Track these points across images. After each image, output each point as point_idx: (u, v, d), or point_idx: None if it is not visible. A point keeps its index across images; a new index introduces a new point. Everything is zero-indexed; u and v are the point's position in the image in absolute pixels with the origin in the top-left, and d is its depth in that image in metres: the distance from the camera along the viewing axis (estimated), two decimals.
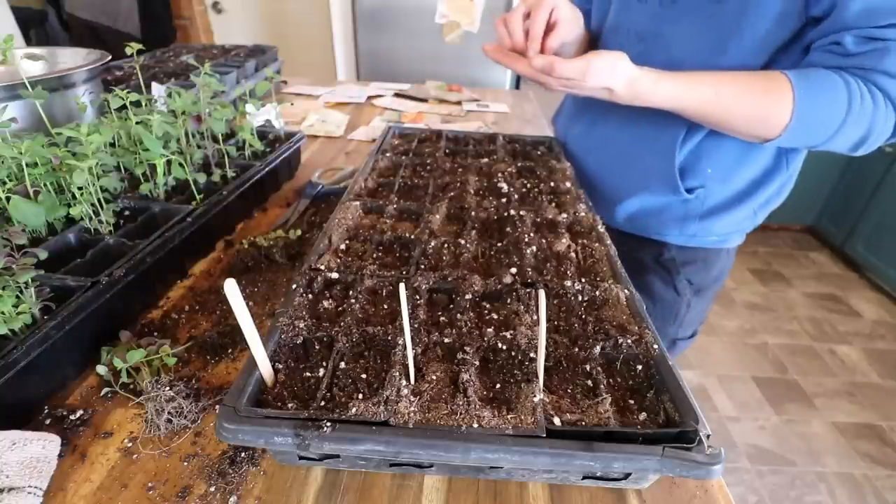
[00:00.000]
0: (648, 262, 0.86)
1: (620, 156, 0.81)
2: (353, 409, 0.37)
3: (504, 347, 0.45)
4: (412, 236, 0.62)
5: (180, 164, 0.69)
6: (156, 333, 0.56)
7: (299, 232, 0.74)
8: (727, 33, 0.63)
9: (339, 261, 0.57)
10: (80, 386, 0.50)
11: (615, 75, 0.60)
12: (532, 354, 0.43)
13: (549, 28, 0.68)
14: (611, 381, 0.44)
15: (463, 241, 0.60)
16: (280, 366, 0.43)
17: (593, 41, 0.84)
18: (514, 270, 0.55)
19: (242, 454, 0.43)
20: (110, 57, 0.94)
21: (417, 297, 0.51)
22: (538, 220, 0.68)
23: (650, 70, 0.62)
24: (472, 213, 0.68)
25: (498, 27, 0.70)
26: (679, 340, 0.94)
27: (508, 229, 0.65)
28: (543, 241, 0.62)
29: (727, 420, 1.75)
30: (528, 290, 0.52)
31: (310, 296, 0.52)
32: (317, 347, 0.46)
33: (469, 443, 0.35)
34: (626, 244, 0.82)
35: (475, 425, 0.37)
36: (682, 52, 0.69)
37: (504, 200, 0.73)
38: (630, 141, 0.79)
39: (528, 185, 0.79)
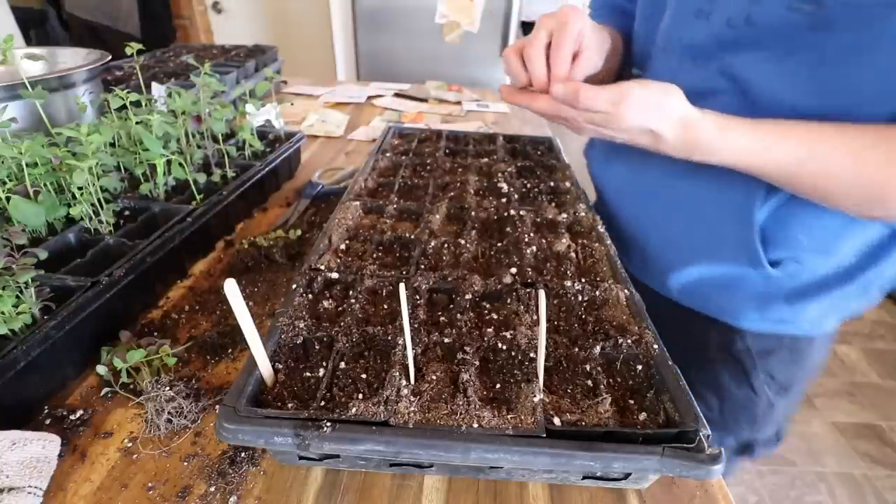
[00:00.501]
0: (713, 348, 0.66)
1: (674, 209, 0.61)
2: (353, 409, 0.37)
3: (504, 347, 0.45)
4: (412, 236, 0.62)
5: (180, 164, 0.69)
6: (156, 333, 0.56)
7: (299, 232, 0.74)
8: (835, 69, 0.45)
9: (339, 261, 0.57)
10: (80, 386, 0.50)
11: (663, 112, 0.46)
12: (532, 354, 0.43)
13: (573, 57, 0.54)
14: (611, 381, 0.44)
15: (463, 241, 0.61)
16: (280, 366, 0.43)
17: (640, 63, 0.65)
18: (514, 270, 0.55)
19: (242, 454, 0.43)
20: (110, 57, 0.94)
21: (417, 297, 0.51)
22: (538, 219, 0.68)
23: (714, 113, 0.47)
24: (472, 213, 0.68)
25: (510, 59, 0.55)
26: (757, 445, 0.71)
27: (508, 229, 0.65)
28: (543, 240, 0.62)
29: None
30: (528, 290, 0.52)
31: (310, 296, 0.52)
32: (317, 347, 0.46)
33: (469, 443, 0.35)
34: (682, 321, 0.64)
35: (475, 425, 0.37)
36: (761, 91, 0.50)
37: (504, 200, 0.73)
38: (688, 190, 0.59)
39: (528, 185, 0.79)
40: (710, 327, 0.65)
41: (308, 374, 0.43)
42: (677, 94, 0.47)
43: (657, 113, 0.47)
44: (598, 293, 0.53)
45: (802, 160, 0.45)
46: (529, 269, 0.55)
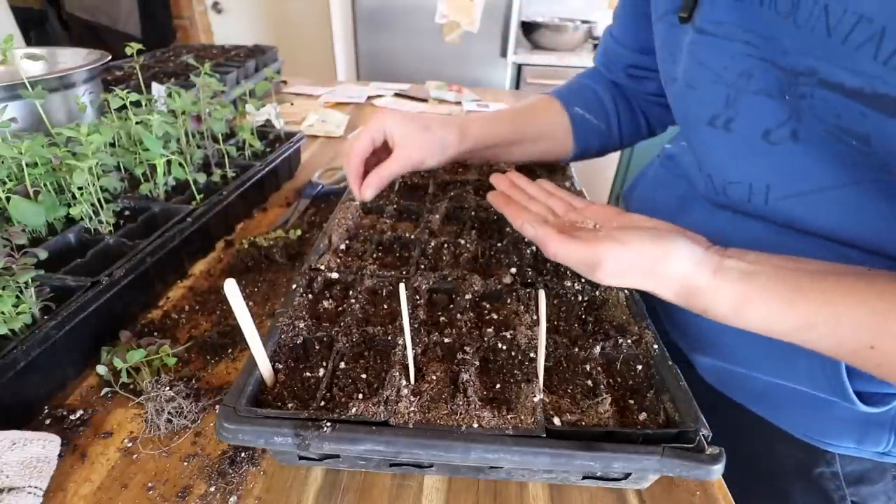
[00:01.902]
0: (786, 467, 0.51)
1: None
2: (353, 409, 0.37)
3: (504, 347, 0.45)
4: (412, 236, 0.62)
5: (180, 164, 0.69)
6: (156, 333, 0.56)
7: (299, 232, 0.74)
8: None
9: (339, 261, 0.57)
10: (80, 386, 0.50)
11: (655, 277, 0.38)
12: (532, 354, 0.43)
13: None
14: (611, 381, 0.44)
15: (463, 241, 0.60)
16: (280, 366, 0.43)
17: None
18: (513, 270, 0.55)
19: (242, 454, 0.43)
20: (110, 57, 0.94)
21: (417, 297, 0.51)
22: None
23: (735, 272, 0.36)
24: (472, 213, 0.68)
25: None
26: None
27: (508, 229, 0.65)
28: None
29: None
30: (528, 290, 0.52)
31: (310, 296, 0.52)
32: (317, 347, 0.46)
33: (469, 443, 0.35)
34: (748, 427, 0.51)
35: (475, 425, 0.37)
36: (802, 220, 0.41)
37: None
38: None
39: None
40: (784, 442, 0.50)
41: (308, 374, 0.43)
42: (677, 252, 0.37)
43: (646, 278, 0.38)
44: (598, 293, 0.53)
45: (857, 348, 0.32)
46: (529, 269, 0.55)
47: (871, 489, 0.49)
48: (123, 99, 0.66)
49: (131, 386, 0.49)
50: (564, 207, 0.51)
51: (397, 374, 0.40)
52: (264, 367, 0.40)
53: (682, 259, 0.37)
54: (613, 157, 2.62)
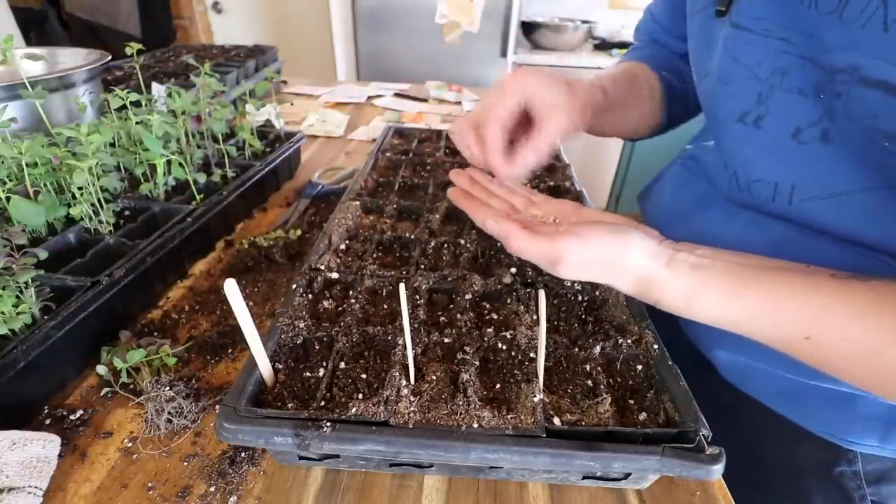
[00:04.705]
0: (806, 466, 0.50)
1: None
2: (353, 409, 0.37)
3: (504, 347, 0.45)
4: (412, 236, 0.62)
5: (180, 164, 0.69)
6: (156, 333, 0.56)
7: (299, 232, 0.74)
8: None
9: (339, 261, 0.57)
10: (80, 386, 0.50)
11: (613, 271, 0.39)
12: (532, 354, 0.43)
13: (530, 128, 0.47)
14: (611, 381, 0.44)
15: (463, 241, 0.60)
16: (280, 366, 0.43)
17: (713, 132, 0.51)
18: (513, 270, 0.55)
19: (242, 454, 0.43)
20: (110, 57, 0.94)
21: (417, 297, 0.51)
22: None
23: (688, 265, 0.37)
24: None
25: (457, 137, 0.51)
26: None
27: None
28: None
29: None
30: (528, 290, 0.52)
31: (310, 296, 0.52)
32: (317, 347, 0.46)
33: (469, 443, 0.35)
34: (767, 425, 0.50)
35: (475, 425, 0.37)
36: (826, 224, 0.41)
37: None
38: None
39: (528, 185, 0.79)
40: (804, 440, 0.49)
41: (308, 374, 0.43)
42: (634, 245, 0.38)
43: (605, 271, 0.39)
44: (597, 293, 0.53)
45: (794, 339, 0.34)
46: (529, 269, 0.55)
47: (891, 488, 0.49)
48: (123, 99, 0.66)
49: (131, 386, 0.49)
50: (525, 203, 0.51)
51: (397, 374, 0.40)
52: (264, 367, 0.40)
53: (638, 252, 0.38)
54: (613, 159, 2.62)
